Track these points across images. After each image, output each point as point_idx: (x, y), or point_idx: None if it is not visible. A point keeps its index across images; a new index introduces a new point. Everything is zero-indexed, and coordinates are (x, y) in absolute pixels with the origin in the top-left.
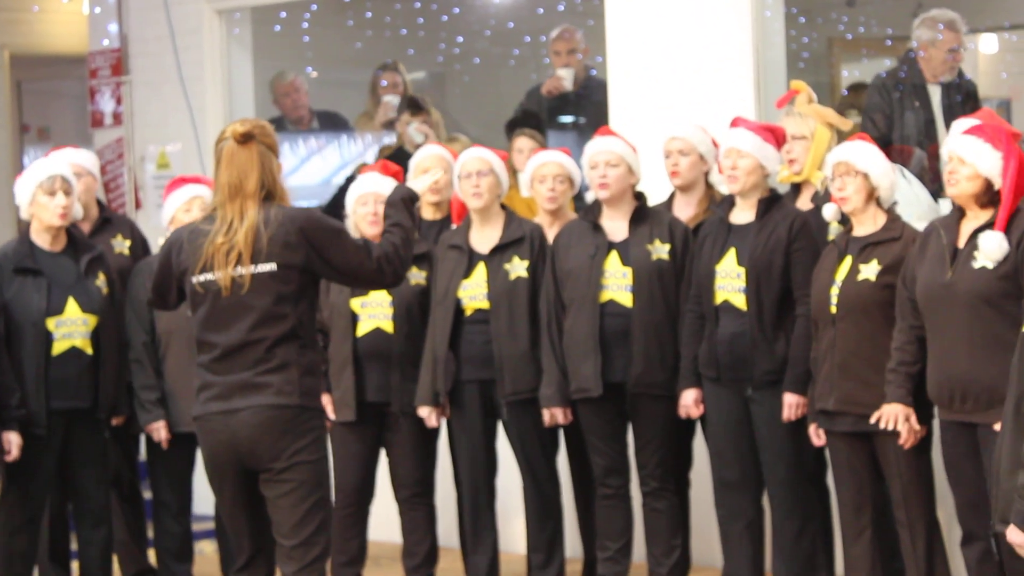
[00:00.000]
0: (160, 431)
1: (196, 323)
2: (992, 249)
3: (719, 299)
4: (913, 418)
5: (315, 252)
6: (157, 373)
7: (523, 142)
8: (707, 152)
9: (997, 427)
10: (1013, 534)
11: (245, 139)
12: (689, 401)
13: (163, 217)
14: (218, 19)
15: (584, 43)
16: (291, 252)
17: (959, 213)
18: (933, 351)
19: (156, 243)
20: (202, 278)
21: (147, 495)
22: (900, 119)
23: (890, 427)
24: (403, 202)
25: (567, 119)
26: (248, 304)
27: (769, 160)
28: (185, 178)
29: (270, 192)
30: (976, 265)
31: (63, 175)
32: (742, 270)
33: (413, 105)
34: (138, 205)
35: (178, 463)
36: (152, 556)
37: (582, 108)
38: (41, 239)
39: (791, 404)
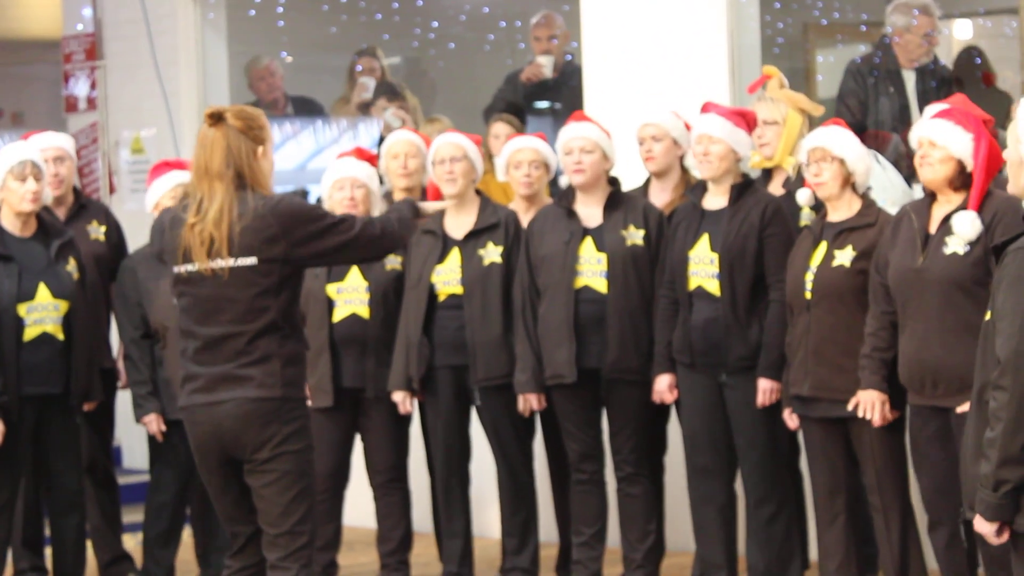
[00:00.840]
0: (153, 424)
1: (180, 313)
2: (966, 229)
3: (692, 285)
4: (887, 404)
5: (299, 246)
6: (154, 364)
7: (500, 127)
8: (680, 137)
9: (965, 408)
10: (979, 524)
11: (214, 120)
12: (663, 387)
13: (147, 202)
14: (192, 3)
15: (564, 29)
16: (271, 246)
17: (930, 198)
18: (905, 336)
19: (131, 228)
20: (183, 269)
21: (141, 479)
22: (875, 105)
23: (867, 415)
24: (408, 210)
25: (544, 105)
26: (229, 297)
27: (741, 145)
28: (169, 162)
29: (242, 175)
30: (947, 251)
31: (33, 160)
32: (715, 256)
33: (389, 91)
34: (112, 190)
35: (177, 449)
36: (128, 541)
37: (559, 94)
38: (11, 224)
39: (765, 389)
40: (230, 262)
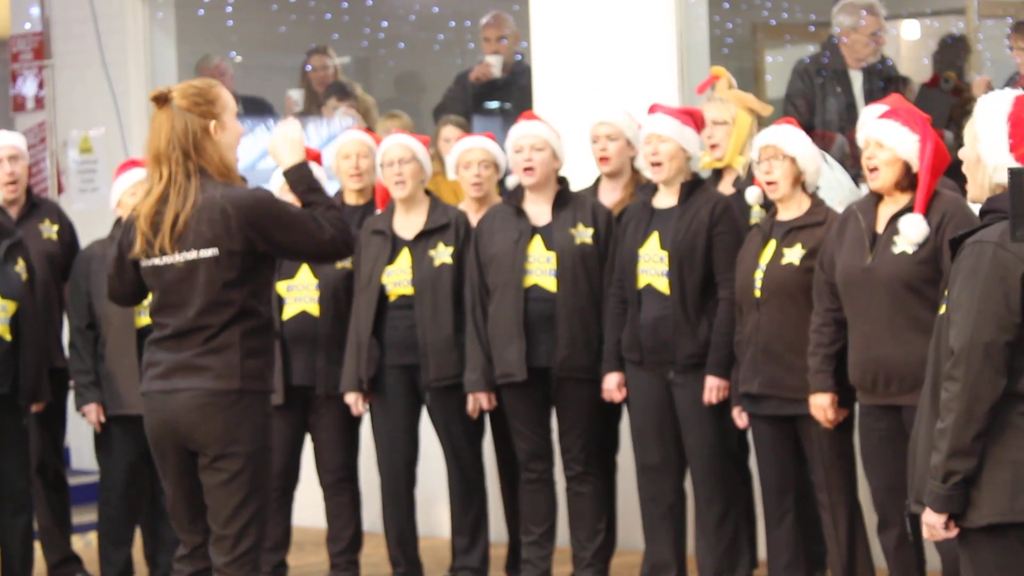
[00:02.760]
0: (92, 414)
1: (150, 305)
2: (912, 232)
3: (642, 283)
4: (836, 404)
5: (262, 238)
6: (95, 356)
7: (450, 131)
8: (634, 137)
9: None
10: (928, 516)
11: (159, 101)
12: (612, 385)
13: (110, 200)
14: (141, 3)
15: (513, 29)
16: (232, 238)
17: (876, 197)
18: (854, 336)
19: (80, 228)
20: (149, 263)
21: (90, 480)
22: (822, 104)
23: (822, 420)
24: (308, 184)
25: (494, 105)
26: (193, 290)
27: (689, 143)
28: (135, 161)
29: (191, 155)
30: (896, 250)
31: None
32: (665, 254)
33: (340, 90)
34: (60, 190)
35: (120, 446)
36: (76, 543)
37: (509, 94)
38: None
39: (713, 387)
40: (191, 254)
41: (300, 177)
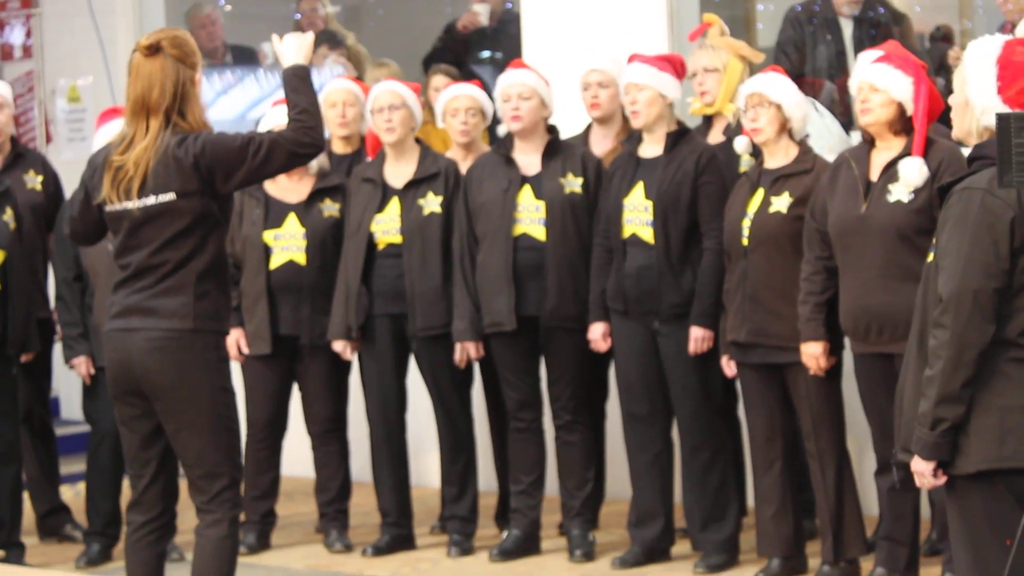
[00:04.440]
0: (82, 366)
1: (113, 250)
2: (912, 175)
3: (627, 233)
4: (827, 351)
5: (218, 176)
6: (83, 308)
7: (439, 79)
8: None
9: None
10: (916, 463)
11: (151, 51)
12: (597, 335)
13: (93, 148)
14: None
15: None
16: (187, 179)
17: (869, 145)
18: (846, 283)
19: (68, 177)
20: (110, 209)
21: (79, 430)
22: (812, 52)
23: (814, 368)
24: (300, 80)
25: (484, 54)
26: (149, 232)
27: (668, 88)
28: (117, 109)
29: (180, 107)
30: (891, 199)
31: None
32: (650, 203)
33: (330, 39)
34: (49, 139)
35: (108, 397)
36: (65, 492)
37: (499, 42)
38: None
39: (697, 338)
40: (150, 199)
41: (294, 74)
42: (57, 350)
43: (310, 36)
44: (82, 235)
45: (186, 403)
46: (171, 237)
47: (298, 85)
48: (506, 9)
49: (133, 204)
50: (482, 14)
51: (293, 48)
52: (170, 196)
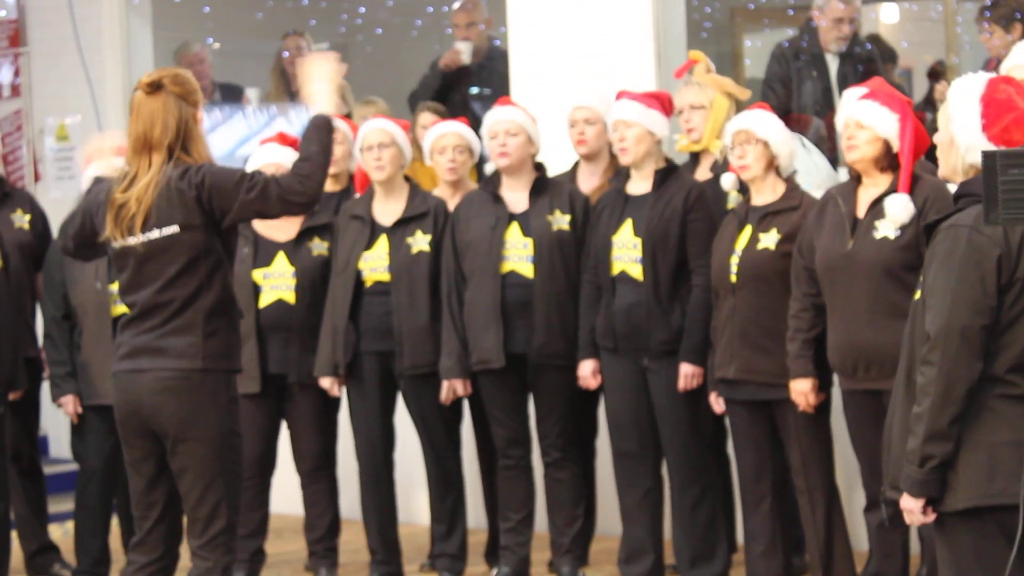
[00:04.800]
0: (69, 405)
1: (120, 287)
2: (899, 212)
3: (616, 270)
4: (816, 388)
5: (216, 208)
6: (71, 347)
7: (426, 117)
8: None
9: None
10: (905, 501)
11: (153, 88)
12: (587, 372)
13: (82, 187)
14: None
15: (487, 14)
16: (190, 212)
17: (855, 181)
18: (834, 321)
19: (57, 215)
20: (115, 245)
21: (68, 469)
22: (799, 88)
23: (803, 405)
24: (316, 129)
25: (474, 91)
26: (154, 268)
27: (656, 125)
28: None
29: (184, 144)
30: (877, 235)
31: None
32: (638, 240)
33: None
34: (37, 178)
35: (97, 435)
36: (55, 531)
37: (485, 79)
38: None
39: (687, 374)
40: (153, 233)
41: (313, 123)
42: (45, 388)
43: (336, 64)
44: (74, 250)
45: (194, 443)
46: (176, 273)
47: (313, 134)
48: (493, 46)
49: (136, 240)
50: (464, 53)
51: (325, 95)
52: (174, 229)
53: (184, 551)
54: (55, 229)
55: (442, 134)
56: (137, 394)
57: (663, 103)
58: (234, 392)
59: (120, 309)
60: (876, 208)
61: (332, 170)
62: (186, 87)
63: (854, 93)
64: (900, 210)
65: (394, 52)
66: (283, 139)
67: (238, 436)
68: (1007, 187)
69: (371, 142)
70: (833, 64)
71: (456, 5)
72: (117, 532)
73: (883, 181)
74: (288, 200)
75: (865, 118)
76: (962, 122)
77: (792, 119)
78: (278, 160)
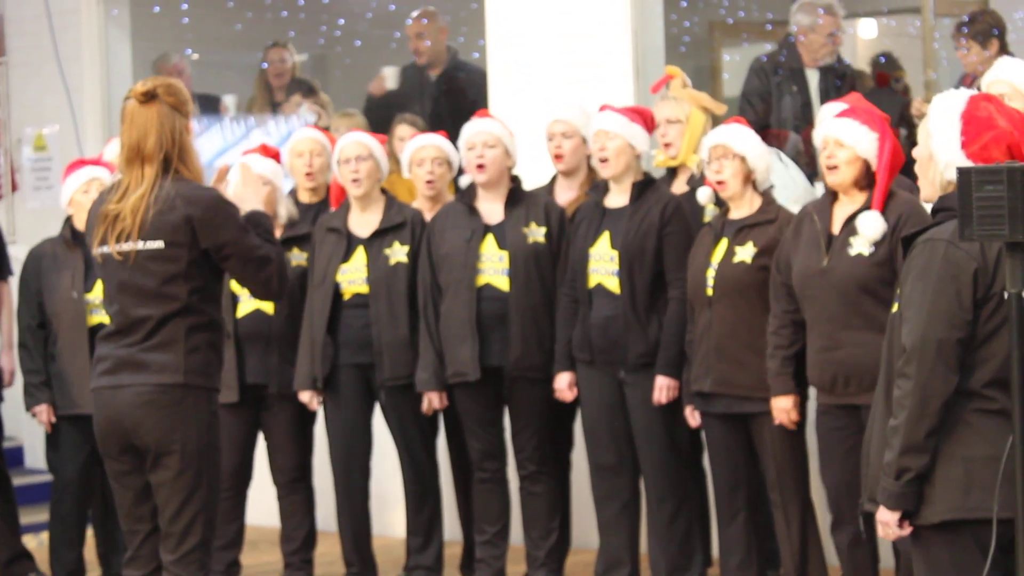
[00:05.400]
0: (43, 414)
1: (103, 296)
2: (871, 230)
3: (593, 282)
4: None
5: (205, 235)
6: (45, 356)
7: (404, 129)
8: (590, 135)
9: None
10: (881, 513)
11: (147, 98)
12: (563, 384)
13: (61, 199)
14: (96, 0)
15: (441, 24)
16: (179, 232)
17: (831, 197)
18: (812, 336)
19: (34, 226)
20: (99, 251)
21: (43, 479)
22: (778, 103)
23: (784, 422)
24: (256, 227)
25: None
26: (137, 280)
27: (638, 140)
28: (84, 160)
29: (177, 155)
30: (852, 252)
31: None
32: (615, 253)
33: (304, 87)
34: (15, 188)
35: (72, 445)
36: (30, 542)
37: (451, 91)
38: None
39: (662, 387)
40: (138, 245)
41: (252, 220)
42: (9, 396)
43: (257, 165)
44: None
45: (174, 457)
46: (157, 288)
47: (261, 233)
48: (455, 59)
49: (123, 248)
50: (388, 79)
51: (252, 195)
52: (159, 244)
53: None
54: (35, 238)
55: (420, 147)
56: (118, 409)
57: (645, 119)
58: (215, 407)
59: (96, 319)
60: (851, 224)
61: (311, 183)
62: (179, 97)
63: (832, 109)
64: (872, 228)
65: (373, 64)
66: (265, 150)
67: (217, 451)
68: (982, 203)
69: (348, 155)
70: (813, 78)
71: (415, 14)
72: (92, 543)
73: (859, 198)
74: (250, 289)
75: (845, 137)
76: (942, 138)
77: (771, 134)
78: (259, 171)
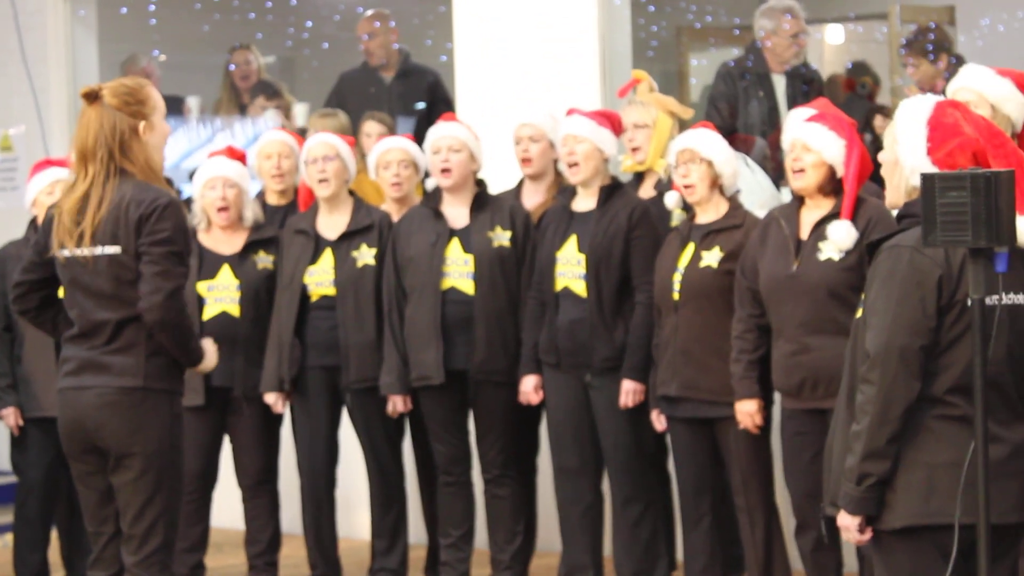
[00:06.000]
0: (10, 417)
1: (64, 300)
2: (842, 238)
3: (559, 286)
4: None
5: (141, 238)
6: (12, 359)
7: (371, 126)
8: (557, 139)
9: None
10: (842, 518)
11: (88, 98)
12: (529, 387)
13: (25, 200)
14: (63, 0)
15: (391, 25)
16: (129, 237)
17: (798, 202)
18: (780, 341)
19: (2, 227)
20: (61, 254)
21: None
22: (745, 108)
23: (749, 426)
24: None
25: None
26: (96, 284)
27: (606, 143)
28: (50, 160)
29: (120, 153)
30: (822, 257)
31: None
32: (582, 257)
33: (268, 89)
34: None
35: (38, 448)
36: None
37: (404, 94)
38: None
39: (628, 390)
40: (96, 249)
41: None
42: None
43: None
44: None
45: (135, 459)
46: (115, 293)
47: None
48: (407, 62)
49: (82, 252)
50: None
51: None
52: (115, 249)
53: None
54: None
55: (387, 149)
56: (81, 410)
57: (613, 123)
58: (178, 409)
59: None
60: (819, 230)
61: (279, 185)
62: (126, 98)
63: (801, 114)
64: (843, 237)
65: (340, 66)
66: (231, 153)
67: (180, 453)
68: (945, 209)
69: (316, 155)
70: (780, 83)
71: (367, 14)
72: (57, 546)
73: (825, 204)
74: (146, 298)
75: (813, 142)
76: (908, 144)
77: (738, 139)
78: (225, 173)
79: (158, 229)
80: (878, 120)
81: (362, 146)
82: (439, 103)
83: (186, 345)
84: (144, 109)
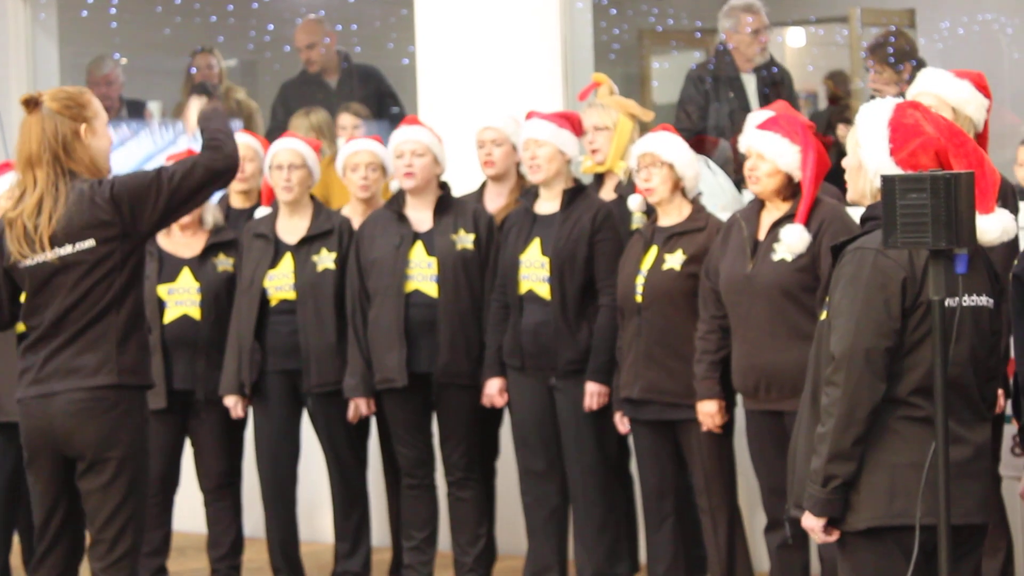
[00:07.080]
0: None
1: (23, 311)
2: (794, 241)
3: (523, 288)
4: (723, 409)
5: (138, 213)
6: None
7: (347, 119)
8: (519, 142)
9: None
10: (807, 520)
11: (28, 105)
12: (493, 390)
13: None
14: (23, 4)
15: (328, 30)
16: (106, 226)
17: (759, 204)
18: (738, 342)
19: None
20: (24, 264)
21: None
22: (716, 110)
23: (710, 426)
24: (210, 112)
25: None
26: (65, 282)
27: (567, 145)
28: (10, 164)
29: (65, 155)
30: (775, 258)
31: None
32: (546, 260)
33: (201, 90)
34: None
35: (4, 452)
36: None
37: (345, 96)
38: None
39: (592, 393)
40: (65, 249)
41: (202, 113)
42: None
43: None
44: None
45: (109, 464)
46: (89, 288)
47: (210, 114)
48: (349, 64)
49: (46, 256)
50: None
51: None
52: (89, 243)
53: (84, 571)
54: None
55: (354, 151)
56: (49, 418)
57: (573, 123)
58: (147, 412)
59: (23, 326)
60: (775, 231)
61: (242, 187)
62: (66, 102)
63: (756, 118)
64: (795, 240)
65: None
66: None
67: (148, 455)
68: (905, 211)
69: (281, 161)
70: (750, 83)
71: (299, 23)
72: (18, 549)
73: (784, 206)
74: (213, 169)
75: (766, 151)
76: (870, 146)
77: (708, 141)
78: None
79: (129, 180)
80: (840, 129)
81: (336, 135)
82: (385, 97)
83: (230, 141)
84: (85, 113)
